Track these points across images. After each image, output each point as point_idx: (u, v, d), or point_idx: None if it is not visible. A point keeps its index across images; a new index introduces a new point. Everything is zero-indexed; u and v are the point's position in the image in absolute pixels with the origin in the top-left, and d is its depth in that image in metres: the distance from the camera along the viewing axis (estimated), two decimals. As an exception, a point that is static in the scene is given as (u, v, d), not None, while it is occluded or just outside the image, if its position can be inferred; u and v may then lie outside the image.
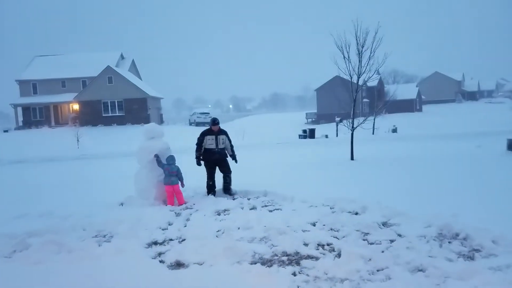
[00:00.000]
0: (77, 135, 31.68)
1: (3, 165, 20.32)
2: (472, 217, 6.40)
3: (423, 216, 6.58)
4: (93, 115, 46.61)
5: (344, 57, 14.89)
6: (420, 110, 74.18)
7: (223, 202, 8.44)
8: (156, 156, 8.64)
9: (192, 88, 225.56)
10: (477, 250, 5.28)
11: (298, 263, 5.08)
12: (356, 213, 7.23)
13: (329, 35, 14.94)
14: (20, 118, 49.30)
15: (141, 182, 8.75)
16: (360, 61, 14.87)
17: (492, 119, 43.69)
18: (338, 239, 5.93)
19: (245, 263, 5.11)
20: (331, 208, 7.60)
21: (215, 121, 9.23)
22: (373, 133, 32.99)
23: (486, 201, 7.61)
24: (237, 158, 9.37)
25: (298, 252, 5.42)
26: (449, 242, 5.59)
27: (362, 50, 14.74)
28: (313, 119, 66.68)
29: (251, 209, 7.94)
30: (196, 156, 9.21)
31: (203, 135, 9.18)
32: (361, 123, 15.81)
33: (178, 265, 5.27)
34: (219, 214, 7.62)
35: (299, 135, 34.77)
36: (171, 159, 8.71)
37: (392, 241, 5.72)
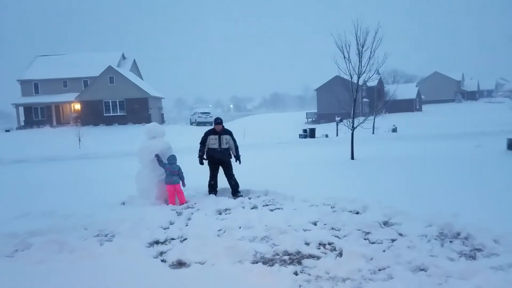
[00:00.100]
0: (79, 135, 31.68)
1: (5, 165, 20.34)
2: (473, 217, 6.39)
3: (424, 216, 6.59)
4: (95, 115, 46.65)
5: (344, 57, 14.90)
6: (420, 110, 74.17)
7: (224, 201, 8.45)
8: (157, 156, 8.65)
9: (193, 88, 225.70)
10: (479, 250, 5.28)
11: (299, 263, 5.09)
12: (357, 213, 7.24)
13: (329, 35, 14.95)
14: (22, 118, 49.33)
15: (143, 181, 8.76)
16: (360, 61, 14.88)
17: (491, 118, 43.63)
18: (339, 238, 5.94)
19: (246, 262, 5.12)
20: (332, 208, 7.61)
21: (217, 121, 9.24)
22: (373, 133, 32.99)
23: (487, 201, 7.61)
24: (240, 159, 9.33)
25: (300, 252, 5.43)
26: (451, 242, 5.60)
27: (362, 50, 14.75)
28: (313, 119, 66.68)
29: (252, 208, 7.95)
30: (198, 155, 9.22)
31: (207, 134, 9.20)
32: (361, 123, 15.82)
33: (180, 264, 5.28)
34: (220, 214, 7.64)
35: (300, 135, 34.79)
36: (172, 158, 8.73)
37: (393, 240, 5.72)
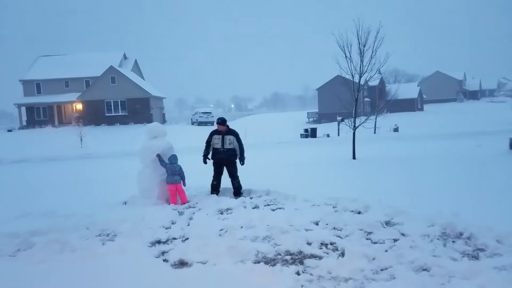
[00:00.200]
0: (80, 135, 31.73)
1: (7, 165, 20.36)
2: (475, 216, 6.37)
3: (426, 215, 6.57)
4: (96, 114, 46.71)
5: (345, 56, 14.90)
6: (421, 109, 74.09)
7: (226, 201, 8.43)
8: (159, 156, 8.64)
9: (194, 87, 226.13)
10: (482, 250, 5.26)
11: (301, 262, 5.08)
12: (359, 212, 7.23)
13: (331, 34, 14.96)
14: (24, 118, 49.41)
15: (144, 181, 8.75)
16: (361, 61, 14.87)
17: (493, 118, 43.59)
18: (341, 238, 5.93)
19: (248, 262, 5.11)
20: (333, 207, 7.59)
21: (218, 120, 9.19)
22: (374, 133, 32.97)
23: (489, 200, 7.59)
24: (244, 161, 9.16)
25: (302, 251, 5.42)
26: (453, 242, 5.58)
27: (363, 50, 14.74)
28: (315, 119, 66.67)
29: (253, 208, 7.93)
30: (203, 154, 9.21)
31: (211, 134, 9.17)
32: (362, 123, 15.81)
33: (182, 264, 5.27)
34: (222, 213, 7.62)
35: (301, 135, 34.79)
36: (173, 158, 8.71)
37: (395, 240, 5.70)
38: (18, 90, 51.10)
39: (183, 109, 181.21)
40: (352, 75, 15.18)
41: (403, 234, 5.93)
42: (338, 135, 34.80)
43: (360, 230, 6.19)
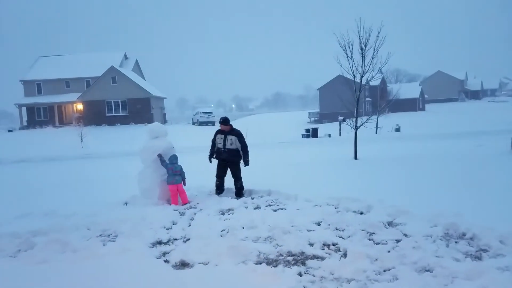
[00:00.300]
0: (81, 135, 31.73)
1: (8, 165, 20.36)
2: (478, 216, 6.36)
3: (428, 215, 6.54)
4: (97, 115, 46.73)
5: (347, 56, 14.88)
6: (423, 109, 74.07)
7: (227, 201, 8.41)
8: (160, 156, 8.62)
9: (195, 87, 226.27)
10: (485, 250, 5.24)
11: (303, 263, 5.05)
12: (361, 213, 7.20)
13: (332, 34, 14.94)
14: (25, 118, 49.44)
15: (145, 181, 8.73)
16: (363, 60, 14.84)
17: (495, 118, 43.56)
18: (344, 239, 5.90)
19: (250, 263, 5.08)
20: (335, 208, 7.57)
21: (220, 120, 9.15)
22: (376, 132, 32.97)
23: (491, 200, 7.56)
24: (249, 163, 8.98)
25: (304, 252, 5.39)
26: (456, 242, 5.56)
27: (365, 49, 14.71)
28: (316, 119, 66.67)
29: (255, 208, 7.90)
30: (209, 153, 9.20)
31: (215, 133, 9.13)
32: (364, 122, 15.80)
33: (183, 265, 5.24)
34: (223, 214, 7.60)
35: (302, 135, 34.79)
36: (174, 158, 8.69)
37: (398, 241, 5.68)
38: (19, 90, 51.18)
39: (184, 109, 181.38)
40: (354, 75, 15.15)
41: (405, 235, 5.90)
42: (340, 135, 34.78)
43: (363, 230, 6.16)
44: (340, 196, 8.06)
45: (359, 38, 14.65)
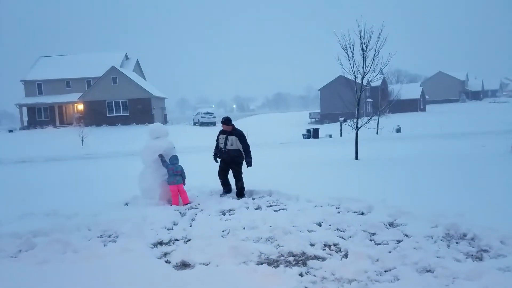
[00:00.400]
0: (82, 135, 31.72)
1: (8, 165, 20.36)
2: (478, 217, 6.37)
3: (429, 216, 6.55)
4: (98, 115, 46.72)
5: (348, 56, 14.87)
6: (424, 109, 74.03)
7: (228, 201, 8.41)
8: (161, 156, 8.62)
9: (196, 88, 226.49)
10: (485, 251, 5.24)
11: (304, 264, 5.05)
12: (362, 213, 7.20)
13: (333, 34, 14.93)
14: (25, 118, 49.45)
15: (146, 181, 8.73)
16: (364, 61, 14.83)
17: (496, 119, 43.52)
18: (345, 239, 5.91)
19: (251, 263, 5.09)
20: (336, 208, 7.57)
21: (221, 120, 9.13)
22: (377, 133, 32.96)
23: (492, 201, 7.56)
24: (251, 163, 8.92)
25: (305, 253, 5.39)
26: (457, 243, 5.56)
27: (366, 50, 14.70)
28: (317, 119, 66.68)
29: (256, 209, 7.91)
30: (214, 153, 9.20)
31: (218, 133, 9.14)
32: (365, 123, 15.79)
33: (184, 265, 5.25)
34: (224, 214, 7.60)
35: (303, 135, 34.76)
36: (174, 158, 8.69)
37: (399, 241, 5.68)
38: (19, 90, 51.22)
39: (184, 109, 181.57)
40: (355, 76, 15.14)
41: (406, 235, 5.91)
42: (341, 135, 34.78)
43: (364, 231, 6.16)
44: (341, 197, 8.06)
45: (360, 39, 14.65)
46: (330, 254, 5.33)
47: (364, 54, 14.72)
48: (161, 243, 6.18)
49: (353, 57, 14.83)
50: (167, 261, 5.40)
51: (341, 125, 34.72)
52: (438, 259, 4.90)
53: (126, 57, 56.32)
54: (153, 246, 6.04)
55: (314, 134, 33.82)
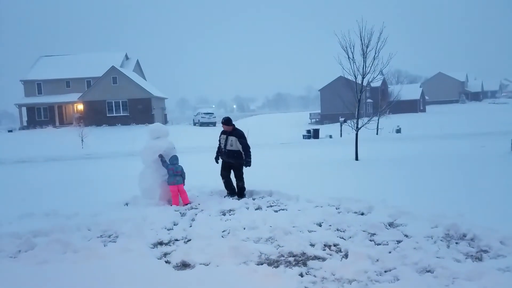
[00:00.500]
0: (82, 135, 31.71)
1: (8, 165, 20.36)
2: (478, 217, 6.38)
3: (429, 216, 6.56)
4: (98, 115, 46.68)
5: (348, 57, 14.89)
6: (423, 110, 74.07)
7: (228, 202, 8.42)
8: (161, 156, 8.62)
9: (196, 88, 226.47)
10: (485, 251, 5.25)
11: (305, 264, 5.05)
12: (362, 213, 7.21)
13: (333, 35, 14.94)
14: (25, 118, 49.40)
15: (146, 181, 8.73)
16: (364, 62, 14.85)
17: (495, 119, 43.55)
18: (345, 239, 5.91)
19: (251, 263, 5.09)
20: (336, 208, 7.58)
21: (221, 121, 9.10)
22: (377, 134, 32.98)
23: (492, 201, 7.57)
24: (250, 164, 8.85)
25: (305, 253, 5.39)
26: (457, 243, 5.56)
27: (366, 51, 14.72)
28: (317, 120, 66.73)
29: (256, 209, 7.91)
30: (216, 154, 9.19)
31: (220, 134, 9.13)
32: (365, 124, 15.80)
33: (184, 265, 5.25)
34: (224, 214, 7.60)
35: (303, 135, 34.75)
36: (174, 159, 8.69)
37: (399, 241, 5.69)
38: (19, 90, 51.12)
39: (185, 109, 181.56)
40: (355, 76, 15.16)
41: (406, 236, 5.92)
42: (341, 136, 34.81)
43: (364, 231, 6.17)
44: (341, 197, 8.07)
45: (361, 39, 14.68)
46: (330, 255, 5.34)
47: (364, 55, 14.75)
48: (161, 243, 6.18)
49: (353, 57, 14.88)
50: (167, 261, 5.40)
51: (341, 125, 34.74)
52: (438, 260, 4.91)
53: (126, 57, 56.29)
54: (153, 246, 6.04)
55: (314, 134, 33.83)
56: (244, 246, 5.55)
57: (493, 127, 32.91)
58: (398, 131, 36.63)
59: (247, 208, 7.91)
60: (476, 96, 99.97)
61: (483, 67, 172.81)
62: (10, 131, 48.11)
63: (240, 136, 8.88)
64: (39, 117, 48.88)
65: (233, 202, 8.34)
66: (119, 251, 5.60)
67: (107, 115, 47.38)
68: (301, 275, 4.72)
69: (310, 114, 71.30)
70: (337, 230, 6.35)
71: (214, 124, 48.76)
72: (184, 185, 8.74)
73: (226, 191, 9.19)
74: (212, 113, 52.47)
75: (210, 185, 9.62)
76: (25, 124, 49.16)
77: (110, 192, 9.76)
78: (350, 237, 5.98)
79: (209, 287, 4.47)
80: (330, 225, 6.55)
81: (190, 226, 6.90)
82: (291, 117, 74.26)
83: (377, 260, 4.98)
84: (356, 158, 14.77)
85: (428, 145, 20.04)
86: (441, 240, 5.67)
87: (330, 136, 34.32)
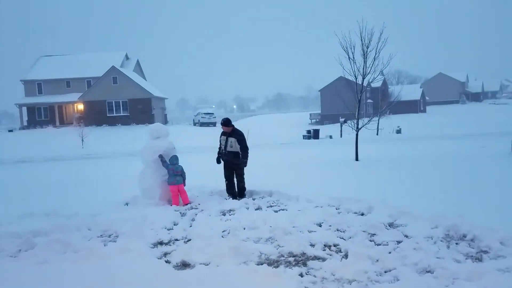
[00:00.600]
0: (82, 135, 31.71)
1: (8, 165, 20.37)
2: (478, 218, 6.38)
3: (429, 217, 6.56)
4: (98, 115, 46.67)
5: (349, 57, 14.89)
6: (424, 111, 74.05)
7: (228, 202, 8.43)
8: (161, 156, 8.61)
9: (196, 88, 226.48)
10: (485, 252, 5.25)
11: (305, 264, 5.05)
12: (362, 214, 7.21)
13: (333, 35, 14.95)
14: (25, 118, 49.39)
15: (146, 181, 8.74)
16: (365, 62, 14.85)
17: (496, 120, 43.55)
18: (345, 239, 5.91)
19: (251, 263, 5.09)
20: (336, 209, 7.58)
21: (221, 122, 9.07)
22: (377, 134, 32.97)
23: (492, 202, 7.58)
24: (246, 163, 8.83)
25: (305, 253, 5.40)
26: (457, 243, 5.56)
27: (367, 51, 14.72)
28: (317, 120, 66.73)
29: (256, 209, 7.92)
30: (217, 155, 9.16)
31: (220, 135, 9.11)
32: (365, 124, 15.79)
33: (184, 265, 5.25)
34: (224, 214, 7.60)
35: (303, 136, 34.76)
36: (174, 159, 8.68)
37: (399, 242, 5.69)
38: (19, 90, 51.13)
39: (185, 109, 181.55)
40: (355, 76, 15.16)
41: (406, 236, 5.92)
42: (341, 136, 34.81)
43: (364, 231, 6.17)
44: (341, 197, 8.07)
45: (361, 40, 14.68)
46: (330, 255, 5.34)
47: (364, 55, 14.76)
48: (161, 243, 6.18)
49: (353, 58, 14.87)
50: (167, 261, 5.40)
51: (341, 126, 34.75)
52: (438, 260, 4.91)
53: (127, 57, 56.28)
54: (153, 246, 6.05)
55: (315, 134, 33.84)
56: (244, 246, 5.55)
57: (493, 127, 32.92)
58: (398, 131, 36.63)
59: (247, 208, 7.92)
60: (476, 97, 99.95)
61: (484, 67, 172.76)
62: (10, 131, 48.12)
63: (239, 136, 8.86)
64: (39, 117, 48.88)
65: (233, 202, 8.34)
66: (119, 251, 5.60)
67: (107, 115, 47.38)
68: (301, 275, 4.72)
69: (310, 114, 71.30)
70: (337, 230, 6.35)
71: (214, 124, 48.76)
72: (185, 185, 8.74)
73: (227, 194, 9.14)
74: (212, 113, 52.48)
75: (210, 185, 9.62)
76: (25, 124, 49.15)
77: (110, 192, 9.76)
78: (350, 237, 5.98)
79: (209, 287, 4.47)
80: (330, 225, 6.55)
81: (190, 226, 6.90)
82: (291, 117, 74.24)
83: (377, 260, 4.98)
84: (356, 159, 14.77)
85: (428, 146, 20.04)
86: (441, 241, 5.67)
87: (330, 137, 34.33)
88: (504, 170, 11.36)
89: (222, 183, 9.21)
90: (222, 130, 9.11)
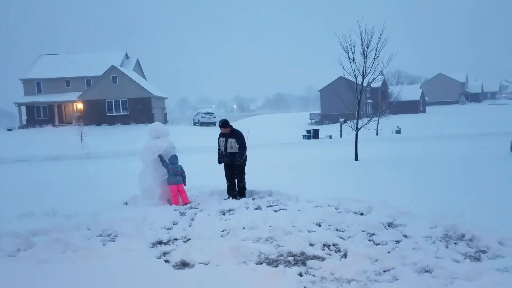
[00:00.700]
0: (81, 134, 31.69)
1: (7, 164, 20.37)
2: (477, 218, 6.39)
3: (428, 217, 6.57)
4: (97, 114, 46.63)
5: (349, 57, 14.89)
6: (423, 111, 74.04)
7: (228, 202, 8.44)
8: (160, 156, 8.61)
9: (196, 88, 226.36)
10: (484, 251, 5.26)
11: (304, 264, 5.06)
12: (362, 214, 7.22)
13: (334, 35, 14.96)
14: (24, 117, 49.32)
15: (146, 181, 8.74)
16: (365, 62, 14.86)
17: (495, 120, 43.58)
18: (344, 239, 5.92)
19: (251, 263, 5.09)
20: (336, 208, 7.59)
21: (218, 124, 8.99)
22: (377, 134, 32.99)
23: (491, 202, 7.59)
24: (240, 162, 8.78)
25: (304, 253, 5.40)
26: (455, 243, 5.57)
27: (367, 51, 14.73)
28: (317, 120, 66.74)
29: (256, 209, 7.92)
30: (218, 156, 9.13)
31: (218, 137, 9.08)
32: (365, 124, 15.80)
33: (184, 265, 5.26)
34: (224, 214, 7.61)
35: (303, 136, 34.76)
36: (174, 158, 8.69)
37: (398, 241, 5.70)
38: (19, 89, 51.04)
39: (185, 109, 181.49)
40: (355, 77, 15.16)
41: (405, 236, 5.93)
42: (341, 136, 34.83)
43: (363, 231, 6.18)
44: (341, 197, 8.08)
45: (361, 40, 14.69)
46: (330, 254, 5.34)
47: (364, 55, 14.77)
48: (160, 242, 6.18)
49: (353, 58, 14.87)
50: (166, 261, 5.40)
51: (341, 126, 34.75)
52: (437, 260, 4.92)
53: (126, 57, 56.24)
54: (152, 245, 6.05)
55: (314, 134, 33.85)
56: (243, 246, 5.56)
57: (493, 128, 32.95)
58: (398, 131, 36.64)
59: (247, 208, 7.93)
60: (476, 97, 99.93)
61: (483, 68, 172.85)
62: (9, 130, 48.05)
63: (238, 136, 8.85)
64: (39, 116, 48.82)
65: (233, 202, 8.35)
66: (119, 251, 5.60)
67: (107, 114, 47.33)
68: (300, 274, 4.73)
69: (310, 114, 71.34)
70: (337, 230, 6.36)
71: (214, 124, 48.69)
72: (185, 185, 8.74)
73: (227, 194, 9.11)
74: (212, 113, 52.47)
75: (210, 185, 9.62)
76: (24, 123, 49.07)
77: (109, 192, 9.76)
78: (350, 237, 5.99)
79: (209, 287, 4.48)
80: (330, 225, 6.56)
81: (190, 226, 6.90)
82: (291, 117, 74.26)
83: (376, 260, 4.99)
84: (356, 159, 14.78)
85: (428, 146, 20.06)
86: (440, 241, 5.68)
87: (330, 137, 34.34)
88: (503, 170, 11.37)
89: (222, 183, 9.21)
90: (220, 131, 9.05)
